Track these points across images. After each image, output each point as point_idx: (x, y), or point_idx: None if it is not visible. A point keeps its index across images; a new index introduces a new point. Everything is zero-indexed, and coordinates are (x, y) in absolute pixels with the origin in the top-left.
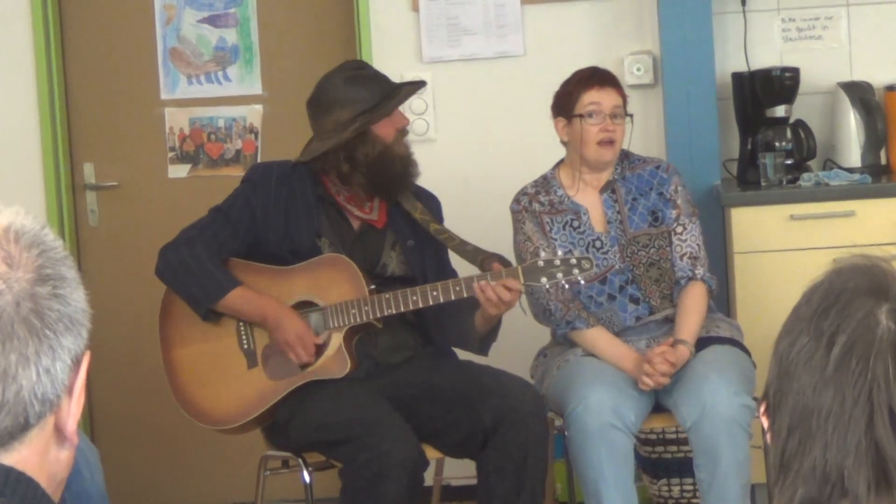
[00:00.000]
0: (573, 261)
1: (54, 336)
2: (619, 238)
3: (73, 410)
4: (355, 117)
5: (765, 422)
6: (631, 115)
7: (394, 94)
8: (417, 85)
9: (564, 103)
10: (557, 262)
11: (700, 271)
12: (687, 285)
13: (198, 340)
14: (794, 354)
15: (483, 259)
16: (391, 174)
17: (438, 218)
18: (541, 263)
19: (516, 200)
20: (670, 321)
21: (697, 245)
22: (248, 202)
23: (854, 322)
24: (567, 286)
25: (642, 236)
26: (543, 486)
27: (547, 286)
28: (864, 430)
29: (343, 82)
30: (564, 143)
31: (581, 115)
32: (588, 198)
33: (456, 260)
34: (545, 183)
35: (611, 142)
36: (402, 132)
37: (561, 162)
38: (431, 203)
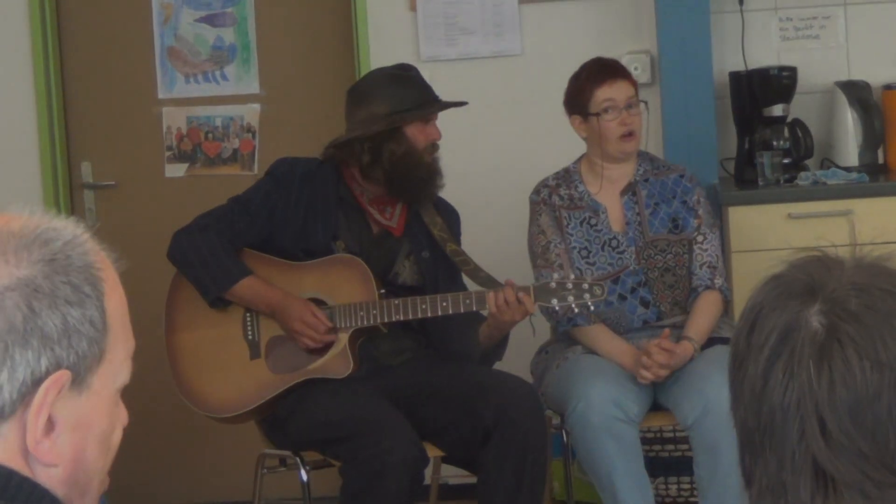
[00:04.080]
0: (585, 286)
1: (1, 347)
2: (637, 239)
3: (29, 428)
4: (391, 113)
5: None
6: (645, 102)
7: (433, 102)
8: (459, 104)
9: (578, 101)
10: (570, 285)
11: (718, 281)
12: (704, 292)
13: (202, 326)
14: (733, 374)
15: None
16: (413, 178)
17: (456, 234)
18: (553, 285)
19: (536, 191)
20: (678, 328)
21: (717, 255)
22: (268, 197)
23: (777, 330)
24: (577, 310)
25: (661, 241)
26: (543, 483)
27: (557, 308)
28: (797, 441)
29: (387, 79)
30: (584, 139)
31: (597, 113)
32: (608, 197)
33: (469, 283)
34: (567, 176)
35: (631, 133)
36: (433, 145)
37: (583, 156)
38: (452, 219)
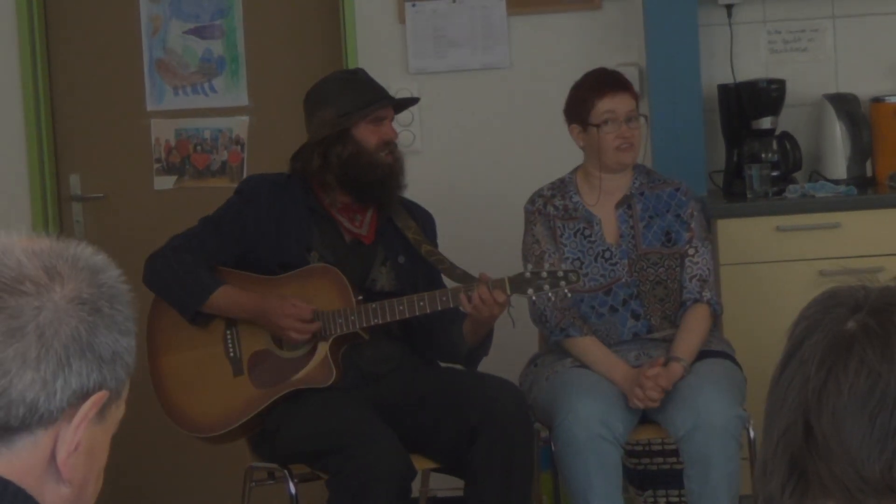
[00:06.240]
0: (560, 273)
1: (63, 354)
2: (630, 252)
3: (66, 438)
4: (337, 117)
5: None
6: (646, 116)
7: (379, 101)
8: (408, 101)
9: (578, 110)
10: (544, 273)
11: (707, 294)
12: (692, 306)
13: (184, 348)
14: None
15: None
16: (369, 179)
17: (432, 236)
18: (528, 275)
19: (531, 201)
20: (667, 342)
21: (708, 269)
22: (239, 214)
23: (806, 324)
24: (553, 297)
25: (653, 254)
26: (531, 481)
27: (533, 297)
28: (782, 432)
29: (335, 83)
30: (581, 148)
31: (597, 125)
32: (603, 209)
33: (448, 283)
34: (562, 186)
35: (629, 146)
36: (388, 144)
37: (579, 167)
38: (426, 221)
